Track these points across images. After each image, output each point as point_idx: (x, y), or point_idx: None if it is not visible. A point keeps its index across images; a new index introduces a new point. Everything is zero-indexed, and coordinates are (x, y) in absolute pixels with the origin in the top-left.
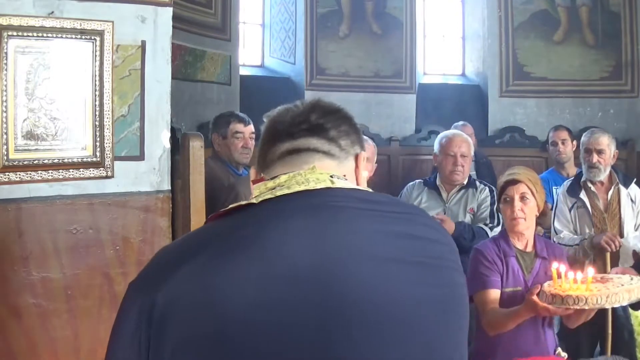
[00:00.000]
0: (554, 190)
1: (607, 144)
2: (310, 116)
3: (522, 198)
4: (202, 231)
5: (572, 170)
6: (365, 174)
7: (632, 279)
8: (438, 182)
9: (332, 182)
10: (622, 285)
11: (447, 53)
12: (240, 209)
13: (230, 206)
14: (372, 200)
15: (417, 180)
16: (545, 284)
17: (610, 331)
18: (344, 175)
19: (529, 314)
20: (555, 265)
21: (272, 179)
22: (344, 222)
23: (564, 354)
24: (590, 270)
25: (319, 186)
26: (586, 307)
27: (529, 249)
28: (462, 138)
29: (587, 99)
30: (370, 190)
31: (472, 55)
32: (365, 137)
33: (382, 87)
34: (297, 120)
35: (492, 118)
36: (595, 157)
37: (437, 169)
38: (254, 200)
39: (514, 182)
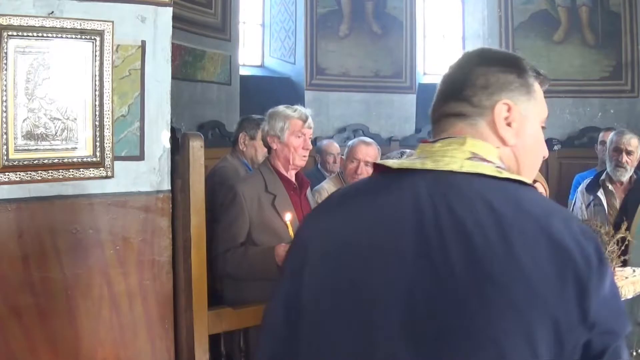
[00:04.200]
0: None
1: (637, 146)
2: (466, 88)
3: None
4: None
5: None
6: (511, 136)
7: (634, 270)
8: None
9: (462, 166)
10: (626, 277)
11: (447, 53)
12: (384, 170)
13: (378, 162)
14: (493, 207)
15: None
16: None
17: None
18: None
19: None
20: None
21: (432, 142)
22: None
23: None
24: None
25: (446, 168)
26: None
27: None
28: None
29: (587, 99)
30: (504, 171)
31: None
32: (368, 140)
33: (382, 87)
34: (458, 85)
35: None
36: (624, 157)
37: None
38: (395, 166)
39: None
